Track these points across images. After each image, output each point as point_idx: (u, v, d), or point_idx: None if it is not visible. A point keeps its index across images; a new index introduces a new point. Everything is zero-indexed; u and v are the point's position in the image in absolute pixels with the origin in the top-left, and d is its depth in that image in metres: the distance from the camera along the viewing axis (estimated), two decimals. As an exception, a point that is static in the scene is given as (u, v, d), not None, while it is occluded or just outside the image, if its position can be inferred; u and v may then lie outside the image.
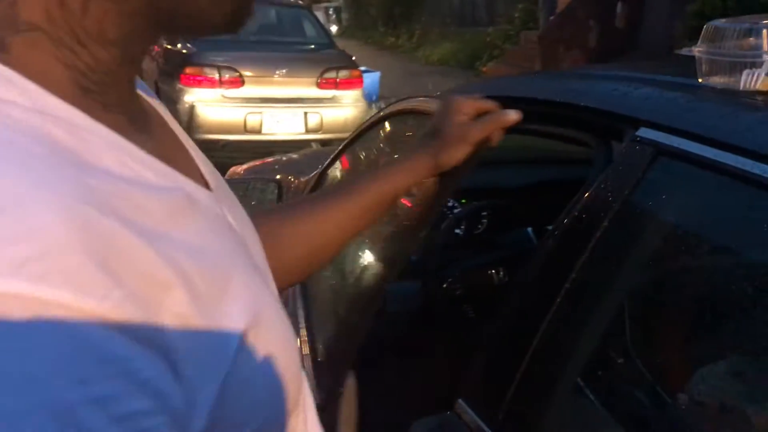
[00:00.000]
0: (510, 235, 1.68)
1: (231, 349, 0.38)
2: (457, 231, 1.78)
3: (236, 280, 0.41)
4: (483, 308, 1.63)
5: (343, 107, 6.36)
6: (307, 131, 6.20)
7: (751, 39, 1.01)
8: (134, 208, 0.36)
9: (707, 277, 1.02)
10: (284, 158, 3.03)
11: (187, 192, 0.43)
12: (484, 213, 1.66)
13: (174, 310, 0.35)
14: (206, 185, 0.50)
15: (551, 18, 9.08)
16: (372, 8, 17.11)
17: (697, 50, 1.06)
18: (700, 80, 1.07)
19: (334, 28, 17.31)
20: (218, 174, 0.55)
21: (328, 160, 2.07)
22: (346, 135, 6.14)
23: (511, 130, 1.01)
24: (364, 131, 1.78)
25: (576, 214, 1.07)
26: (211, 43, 6.06)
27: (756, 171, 0.85)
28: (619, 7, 7.54)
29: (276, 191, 1.90)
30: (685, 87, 1.08)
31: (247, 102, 6.01)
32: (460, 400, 1.13)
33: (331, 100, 6.27)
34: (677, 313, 1.02)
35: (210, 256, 0.40)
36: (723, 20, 1.05)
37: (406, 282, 1.74)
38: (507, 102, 1.34)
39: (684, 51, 1.08)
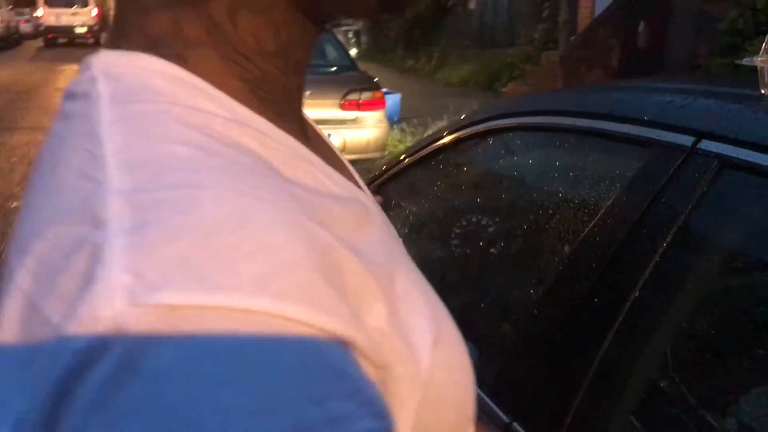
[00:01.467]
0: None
1: (424, 368, 0.36)
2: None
3: (415, 289, 0.40)
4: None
5: (366, 128, 6.35)
6: (330, 152, 6.17)
7: (817, 47, 0.97)
8: (333, 220, 0.35)
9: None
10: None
11: (363, 202, 0.42)
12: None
13: (378, 326, 0.34)
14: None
15: (572, 38, 9.10)
16: (391, 31, 17.21)
17: (761, 60, 1.02)
18: (762, 91, 1.03)
19: (353, 51, 17.46)
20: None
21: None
22: (368, 156, 6.18)
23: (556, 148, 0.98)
24: (428, 154, 1.71)
25: (635, 231, 1.03)
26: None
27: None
28: (641, 26, 7.53)
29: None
30: (748, 98, 1.04)
31: (270, 124, 6.01)
32: (515, 424, 1.08)
33: (354, 121, 6.27)
34: (749, 344, 0.97)
35: (391, 266, 0.39)
36: (787, 29, 1.02)
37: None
38: (558, 116, 1.32)
39: (745, 61, 1.04)
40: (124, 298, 0.27)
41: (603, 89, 1.33)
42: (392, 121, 7.50)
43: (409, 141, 7.17)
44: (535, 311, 1.18)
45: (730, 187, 0.97)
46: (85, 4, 23.18)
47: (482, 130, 1.52)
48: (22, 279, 0.29)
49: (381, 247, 0.40)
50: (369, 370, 0.31)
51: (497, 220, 1.44)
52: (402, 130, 7.60)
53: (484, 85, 11.61)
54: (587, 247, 1.12)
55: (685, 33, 6.96)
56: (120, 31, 0.39)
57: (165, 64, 0.36)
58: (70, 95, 0.36)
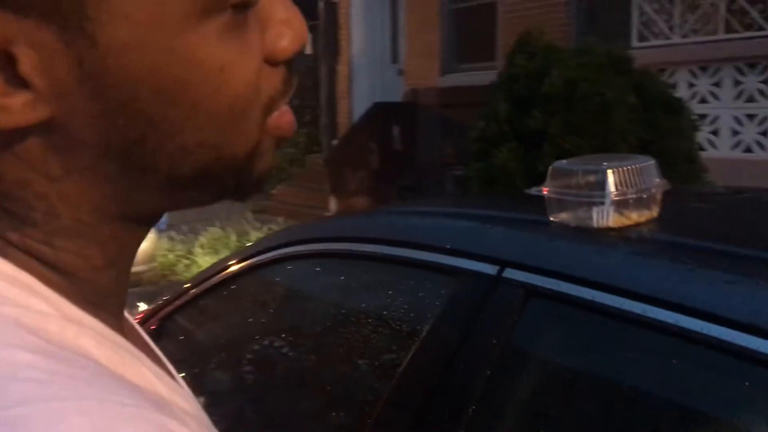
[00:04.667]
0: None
1: None
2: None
3: None
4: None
5: (132, 240, 5.96)
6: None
7: (593, 178, 1.07)
8: (182, 421, 0.34)
9: (593, 414, 1.01)
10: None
11: (191, 402, 0.42)
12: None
13: None
14: None
15: (334, 142, 9.56)
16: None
17: (546, 190, 1.10)
18: (550, 218, 1.11)
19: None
20: None
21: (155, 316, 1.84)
22: (135, 269, 5.79)
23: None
24: (219, 283, 1.58)
25: (453, 362, 1.02)
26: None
27: (635, 310, 0.87)
28: (394, 130, 8.16)
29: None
30: (541, 225, 1.10)
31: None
32: None
33: (117, 233, 5.87)
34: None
35: None
36: (566, 161, 1.11)
37: None
38: (357, 242, 1.30)
39: (533, 191, 1.11)
40: None
41: (395, 214, 1.34)
42: (160, 229, 7.15)
43: (180, 249, 6.86)
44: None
45: (537, 314, 1.00)
46: None
47: (281, 256, 1.45)
48: None
49: None
50: None
51: (307, 350, 1.37)
52: (171, 239, 7.26)
53: (252, 187, 11.65)
54: (407, 379, 1.09)
55: (432, 136, 7.67)
56: None
57: None
58: None
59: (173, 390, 0.40)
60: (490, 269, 1.05)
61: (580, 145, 3.27)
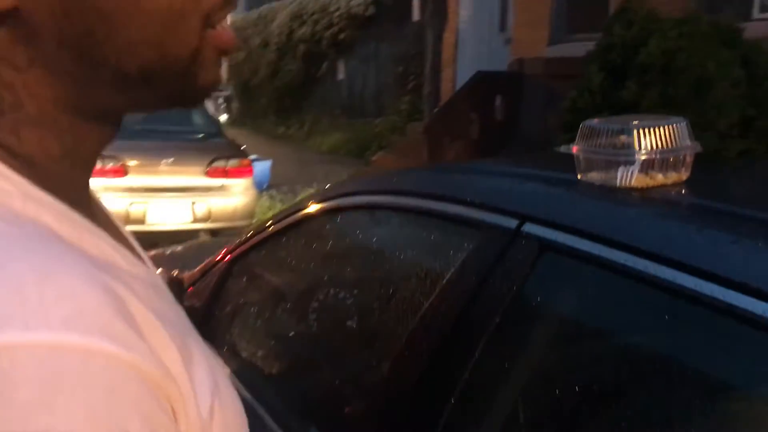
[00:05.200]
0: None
1: (205, 410, 0.41)
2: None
3: (196, 350, 0.43)
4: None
5: (233, 196, 6.25)
6: (195, 220, 6.01)
7: (623, 138, 1.06)
8: (126, 283, 0.39)
9: (593, 368, 1.02)
10: (167, 252, 2.90)
11: (151, 275, 0.46)
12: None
13: (172, 370, 0.38)
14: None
15: (435, 111, 9.52)
16: (262, 98, 17.28)
17: (576, 148, 1.10)
18: (579, 176, 1.11)
19: (224, 117, 17.35)
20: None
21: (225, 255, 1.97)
22: (236, 224, 6.06)
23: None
24: (289, 225, 1.68)
25: (465, 310, 1.05)
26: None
27: (638, 267, 0.87)
28: (497, 101, 8.03)
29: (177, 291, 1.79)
30: (567, 183, 1.11)
31: (130, 192, 5.81)
32: None
33: (220, 189, 6.16)
34: (570, 409, 1.00)
35: (178, 327, 0.43)
36: (596, 120, 1.10)
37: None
38: (392, 196, 1.34)
39: (563, 149, 1.11)
40: None
41: (444, 171, 1.37)
42: (261, 188, 7.45)
43: (279, 208, 7.13)
44: (379, 381, 1.17)
45: (548, 268, 1.01)
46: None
47: (332, 207, 1.52)
48: None
49: (169, 313, 0.44)
50: (161, 402, 0.36)
51: (341, 294, 1.44)
52: (271, 197, 7.55)
53: (355, 153, 11.83)
54: (426, 323, 1.13)
55: (535, 108, 7.48)
56: None
57: None
58: None
59: (134, 264, 0.44)
60: (510, 223, 1.07)
61: (675, 118, 3.12)
